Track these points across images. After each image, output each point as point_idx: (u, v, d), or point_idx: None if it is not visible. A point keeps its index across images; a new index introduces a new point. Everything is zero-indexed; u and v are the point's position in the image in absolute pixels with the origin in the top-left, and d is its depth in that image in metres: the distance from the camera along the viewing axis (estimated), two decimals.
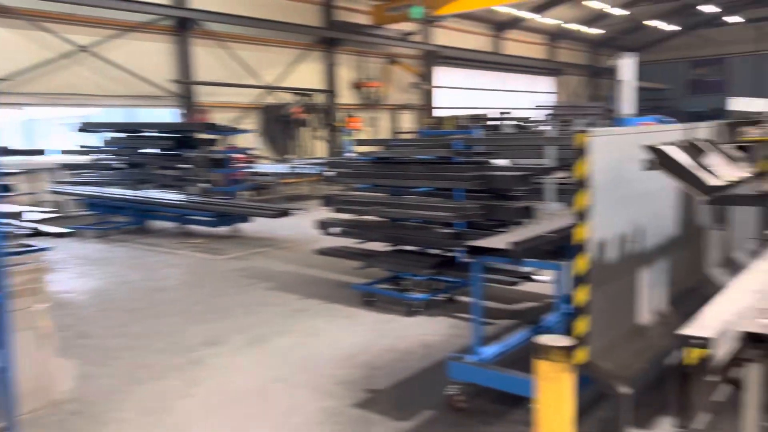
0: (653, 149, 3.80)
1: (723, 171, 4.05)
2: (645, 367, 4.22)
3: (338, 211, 7.63)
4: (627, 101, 8.38)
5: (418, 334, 6.26)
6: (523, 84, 29.13)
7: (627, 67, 9.24)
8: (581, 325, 4.02)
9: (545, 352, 2.54)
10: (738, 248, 6.82)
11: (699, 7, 26.90)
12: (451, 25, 24.42)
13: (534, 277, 6.83)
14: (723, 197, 4.40)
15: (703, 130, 5.62)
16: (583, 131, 3.92)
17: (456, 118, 22.13)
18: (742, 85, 29.76)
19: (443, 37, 24.32)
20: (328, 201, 7.67)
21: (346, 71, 21.19)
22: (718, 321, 2.37)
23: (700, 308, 2.86)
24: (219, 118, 16.66)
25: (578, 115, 22.03)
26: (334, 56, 20.45)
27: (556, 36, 30.08)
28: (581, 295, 4.00)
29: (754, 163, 4.47)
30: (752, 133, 4.37)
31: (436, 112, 24.19)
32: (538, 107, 25.10)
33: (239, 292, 8.00)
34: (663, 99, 32.49)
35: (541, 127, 19.44)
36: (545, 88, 30.70)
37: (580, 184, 3.93)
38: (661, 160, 3.76)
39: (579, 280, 4.02)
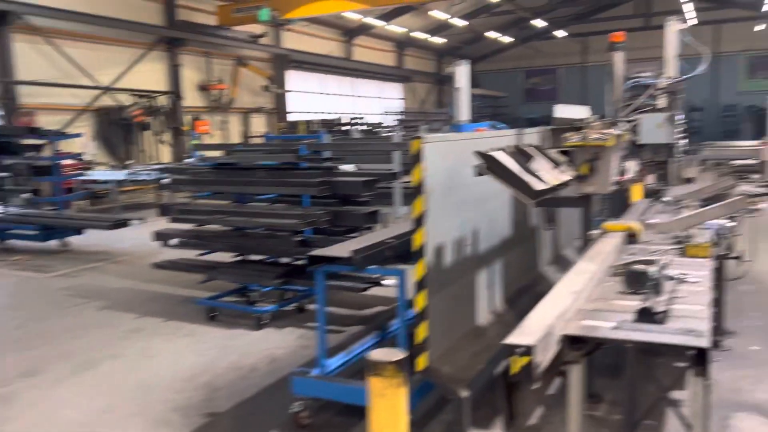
0: (482, 155, 3.86)
1: (548, 175, 4.22)
2: (483, 368, 4.30)
3: (176, 221, 7.13)
4: (463, 107, 8.68)
5: (265, 349, 5.99)
6: (374, 90, 29.64)
7: (462, 74, 9.56)
8: (421, 331, 3.99)
9: (376, 368, 2.43)
10: (567, 246, 7.29)
11: (531, 22, 28.95)
12: (301, 30, 24.22)
13: (384, 281, 6.83)
14: (548, 200, 4.60)
15: (531, 136, 5.90)
16: (417, 137, 3.90)
17: (309, 122, 21.95)
18: (570, 93, 32.54)
19: (294, 40, 24.06)
20: (165, 210, 7.15)
21: (191, 72, 20.24)
22: (540, 326, 2.40)
23: (533, 306, 2.92)
24: (48, 121, 15.16)
25: (425, 121, 22.73)
26: (177, 57, 19.43)
27: (403, 44, 30.95)
28: (420, 301, 3.98)
29: (576, 167, 4.72)
30: (573, 138, 4.63)
31: (289, 117, 23.86)
32: (388, 113, 25.61)
33: (66, 314, 7.22)
34: (502, 106, 34.63)
35: (390, 133, 19.83)
36: (395, 95, 31.47)
37: (416, 190, 3.91)
38: (490, 166, 3.83)
39: (418, 286, 3.99)
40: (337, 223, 6.67)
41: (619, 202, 6.83)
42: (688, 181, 7.98)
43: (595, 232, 4.32)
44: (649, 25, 29.08)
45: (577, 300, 2.75)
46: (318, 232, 6.84)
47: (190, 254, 7.51)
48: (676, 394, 4.78)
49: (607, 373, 4.61)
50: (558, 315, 2.48)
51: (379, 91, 29.98)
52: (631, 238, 4.27)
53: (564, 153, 5.10)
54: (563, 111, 5.53)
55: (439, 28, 29.12)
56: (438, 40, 30.59)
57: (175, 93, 19.34)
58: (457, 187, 4.46)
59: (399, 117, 24.66)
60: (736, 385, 5.11)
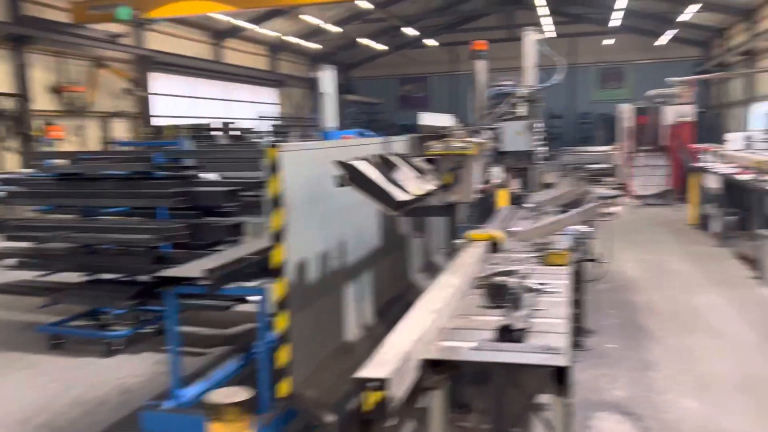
0: (343, 165, 3.66)
1: (412, 185, 4.10)
2: (351, 388, 4.10)
3: (11, 239, 6.34)
4: (330, 114, 8.44)
5: (116, 378, 5.42)
6: (248, 94, 28.81)
7: (327, 79, 9.33)
8: (283, 355, 3.72)
9: (217, 411, 2.13)
10: (437, 253, 7.29)
11: (403, 30, 29.45)
12: (167, 30, 22.97)
13: (250, 298, 6.45)
14: (414, 209, 4.49)
15: (398, 144, 5.80)
16: (273, 146, 3.62)
17: (177, 127, 20.83)
18: (441, 101, 33.48)
19: (159, 41, 22.76)
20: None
21: (42, 74, 18.50)
22: (396, 353, 2.22)
23: (403, 316, 2.75)
24: None
25: (301, 126, 22.32)
26: (24, 56, 17.68)
27: (277, 48, 30.36)
28: (281, 322, 3.70)
29: (440, 176, 4.65)
30: (436, 147, 4.56)
31: (156, 121, 22.51)
32: (262, 118, 24.96)
33: None
34: (378, 113, 34.97)
35: (259, 139, 19.27)
36: (269, 99, 30.80)
37: (274, 203, 3.63)
38: (351, 176, 3.63)
39: (278, 306, 3.71)
40: (197, 236, 6.21)
41: (486, 209, 6.94)
42: (549, 186, 8.29)
43: (459, 241, 4.26)
44: (512, 36, 30.58)
45: (437, 319, 2.62)
46: (180, 246, 6.35)
47: (32, 275, 6.72)
48: (542, 398, 4.85)
49: (477, 381, 4.58)
50: (416, 338, 2.32)
51: (253, 95, 29.18)
52: (495, 246, 4.25)
53: (430, 161, 5.04)
54: (428, 119, 5.49)
55: (313, 33, 28.86)
56: (312, 46, 30.32)
57: (22, 95, 17.58)
58: (321, 197, 4.23)
59: (273, 123, 24.08)
60: (595, 385, 5.29)
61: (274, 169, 3.61)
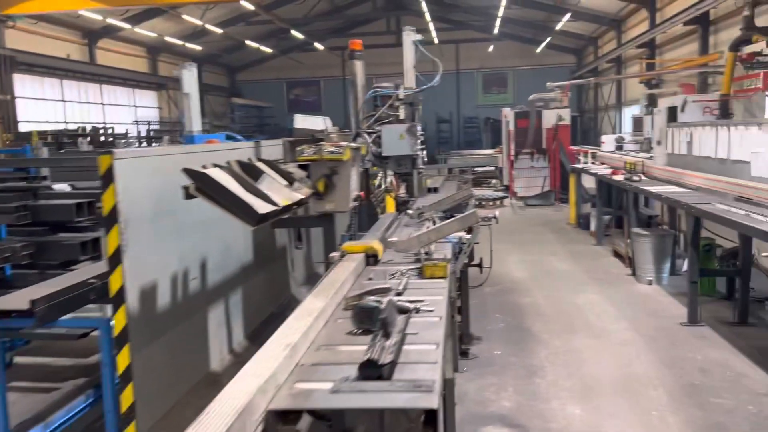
0: (193, 173, 3.17)
1: (278, 194, 3.67)
2: None
3: None
4: (194, 116, 7.78)
5: None
6: (125, 98, 27.05)
7: (189, 78, 8.63)
8: (127, 397, 3.17)
9: None
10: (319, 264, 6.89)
11: (291, 33, 28.85)
12: (30, 28, 21.04)
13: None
14: (284, 220, 4.06)
15: (271, 148, 5.34)
16: (107, 153, 3.08)
17: (40, 133, 19.05)
18: (333, 105, 33.12)
19: (22, 40, 20.78)
20: None
21: None
22: (233, 405, 1.80)
23: None
24: None
25: (182, 131, 21.13)
26: None
27: (157, 49, 28.75)
28: (123, 360, 3.15)
29: (313, 183, 4.26)
30: (307, 152, 4.17)
31: (23, 127, 20.50)
32: (137, 123, 23.49)
33: None
34: (268, 117, 34.07)
35: (132, 145, 18.03)
36: (150, 103, 29.11)
37: (109, 220, 3.09)
38: (201, 186, 3.15)
39: (118, 341, 3.17)
40: (45, 255, 5.45)
41: (372, 215, 6.63)
42: (435, 190, 8.13)
43: (334, 254, 3.88)
44: (399, 42, 30.77)
45: (292, 355, 2.23)
46: (26, 266, 5.54)
47: None
48: None
49: (340, 428, 4.23)
50: (262, 383, 1.92)
51: (131, 99, 27.43)
52: (372, 259, 3.91)
53: (303, 167, 4.64)
54: (302, 122, 5.08)
55: (195, 34, 27.56)
56: (195, 47, 28.99)
57: None
58: (173, 211, 3.71)
59: (153, 127, 22.70)
60: (482, 396, 5.09)
61: (109, 179, 3.06)
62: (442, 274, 3.53)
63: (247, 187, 3.41)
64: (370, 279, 3.53)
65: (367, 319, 2.56)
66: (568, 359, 5.84)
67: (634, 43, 20.44)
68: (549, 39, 29.31)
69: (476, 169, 20.26)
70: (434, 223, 5.26)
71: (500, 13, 24.57)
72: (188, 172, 3.18)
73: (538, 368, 5.64)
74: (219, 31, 26.26)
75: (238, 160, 3.83)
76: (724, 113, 12.69)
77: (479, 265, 6.23)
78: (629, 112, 24.67)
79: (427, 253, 4.09)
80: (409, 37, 6.34)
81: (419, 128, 5.96)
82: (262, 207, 3.26)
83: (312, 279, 6.66)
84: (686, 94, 14.97)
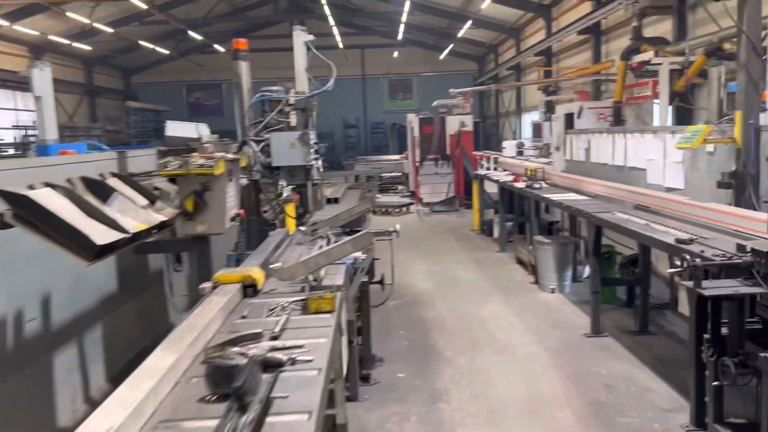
0: (11, 196, 2.51)
1: (133, 217, 3.05)
2: None
3: None
4: (47, 123, 6.78)
5: None
6: (5, 101, 24.76)
7: (40, 78, 7.61)
8: None
9: None
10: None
11: (190, 34, 27.52)
12: None
13: None
14: (143, 246, 3.44)
15: (140, 159, 4.66)
16: None
17: None
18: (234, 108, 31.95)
19: None
20: None
21: None
22: None
23: None
24: None
25: (72, 137, 19.52)
26: None
27: (41, 49, 26.56)
28: None
29: (182, 201, 3.65)
30: (172, 165, 3.56)
31: None
32: (17, 127, 21.54)
33: None
34: (165, 121, 32.44)
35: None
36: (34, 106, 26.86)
37: None
38: (23, 212, 2.50)
39: None
40: None
41: (262, 231, 6.05)
42: (335, 201, 7.64)
43: (206, 285, 3.30)
44: None
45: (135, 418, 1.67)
46: None
47: None
48: None
49: None
50: None
51: (12, 102, 25.15)
52: (251, 289, 3.36)
53: (174, 182, 4.01)
54: (174, 129, 4.45)
55: (84, 33, 25.67)
56: (83, 47, 27.03)
57: None
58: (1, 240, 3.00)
59: (31, 132, 20.79)
60: (383, 429, 4.65)
61: None
62: (329, 308, 3.05)
63: (89, 211, 2.77)
64: (243, 317, 2.99)
65: (225, 380, 2.02)
66: (474, 379, 5.51)
67: (532, 51, 20.90)
68: (452, 46, 29.65)
69: (383, 175, 19.99)
70: (329, 241, 4.78)
71: (404, 18, 24.50)
72: (4, 194, 2.51)
73: (443, 392, 5.26)
74: (110, 30, 24.59)
75: (84, 176, 3.16)
76: (617, 120, 13.03)
77: (380, 282, 5.81)
78: (528, 118, 25.30)
79: (316, 279, 3.60)
80: (300, 37, 5.82)
81: (313, 136, 5.45)
82: (102, 236, 2.64)
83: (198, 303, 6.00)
84: (581, 101, 15.38)
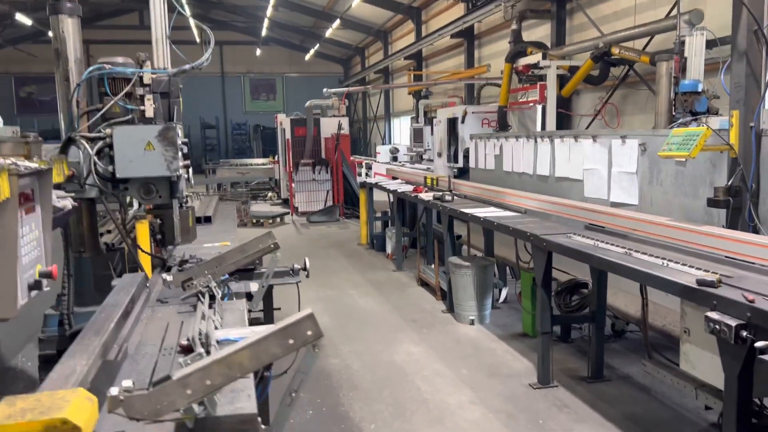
0: None
1: None
2: None
3: None
4: None
5: None
6: None
7: None
8: None
9: None
10: (23, 347, 4.07)
11: (18, 19, 23.27)
12: None
13: None
14: None
15: None
16: None
17: None
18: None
19: None
20: None
21: None
22: None
23: None
24: None
25: None
26: None
27: None
28: None
29: None
30: None
31: None
32: None
33: None
34: None
35: None
36: None
37: None
38: None
39: None
40: None
41: (104, 277, 3.99)
42: (207, 221, 5.67)
43: None
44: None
45: None
46: None
47: None
48: None
49: None
50: None
51: None
52: None
53: None
54: None
55: None
56: None
57: None
58: None
59: None
60: None
61: None
62: None
63: None
64: None
65: None
66: None
67: (401, 54, 19.83)
68: (317, 46, 27.97)
69: (251, 182, 17.80)
70: (213, 298, 2.94)
71: (268, 13, 22.44)
72: None
73: None
74: None
75: None
76: (503, 125, 12.15)
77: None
78: (398, 123, 24.30)
79: (205, 408, 1.80)
80: None
81: (179, 133, 3.54)
82: None
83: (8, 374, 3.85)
84: (452, 106, 14.46)
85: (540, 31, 13.24)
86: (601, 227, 5.03)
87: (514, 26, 12.60)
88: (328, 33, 23.82)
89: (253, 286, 3.26)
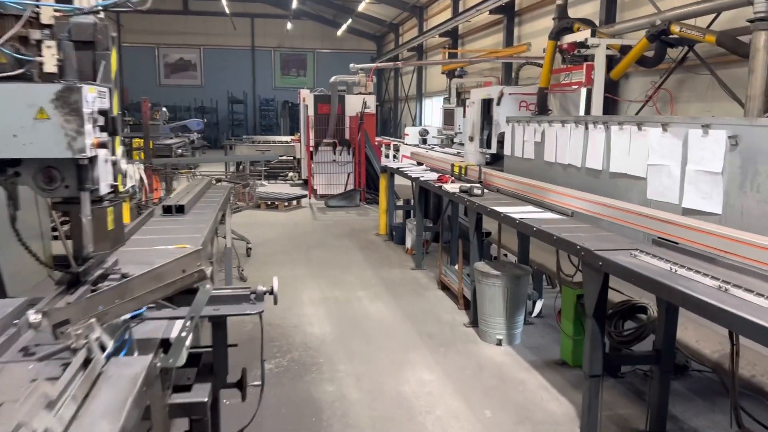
0: None
1: None
2: None
3: None
4: None
5: None
6: None
7: None
8: None
9: None
10: None
11: None
12: None
13: None
14: None
15: None
16: None
17: None
18: None
19: None
20: None
21: None
22: None
23: None
24: None
25: None
26: None
27: None
28: None
29: None
30: None
31: None
32: None
33: None
34: None
35: None
36: None
37: None
38: None
39: None
40: None
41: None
42: (179, 210, 4.60)
43: None
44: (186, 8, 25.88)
45: None
46: None
47: None
48: None
49: None
50: None
51: None
52: None
53: None
54: None
55: None
56: None
57: None
58: None
59: None
60: None
61: None
62: None
63: None
64: None
65: None
66: None
67: (437, 30, 18.47)
68: (350, 21, 26.67)
69: (269, 162, 16.77)
70: (88, 363, 1.84)
71: None
72: None
73: None
74: None
75: None
76: (543, 108, 10.82)
77: (240, 385, 2.94)
78: (430, 104, 22.97)
79: None
80: None
81: (98, 98, 2.44)
82: None
83: None
84: (488, 86, 13.11)
85: (588, 8, 11.83)
86: (673, 242, 3.80)
87: (559, 1, 11.20)
88: (361, 7, 22.54)
89: (177, 329, 2.15)
